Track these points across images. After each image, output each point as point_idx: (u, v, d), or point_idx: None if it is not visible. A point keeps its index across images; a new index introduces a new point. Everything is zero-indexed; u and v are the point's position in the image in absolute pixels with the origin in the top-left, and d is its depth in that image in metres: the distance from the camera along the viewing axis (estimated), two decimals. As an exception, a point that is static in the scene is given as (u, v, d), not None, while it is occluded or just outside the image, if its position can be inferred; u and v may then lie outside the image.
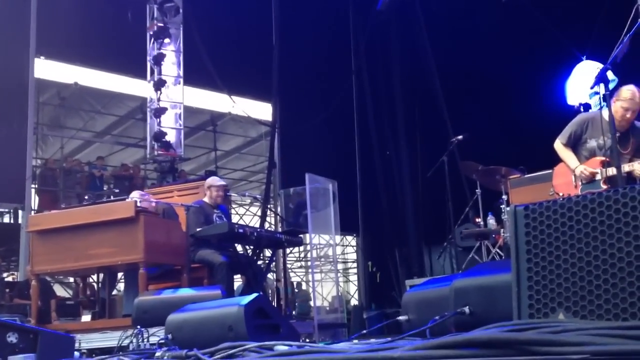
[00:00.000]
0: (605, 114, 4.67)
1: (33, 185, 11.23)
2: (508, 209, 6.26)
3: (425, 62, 12.54)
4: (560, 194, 4.70)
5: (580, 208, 1.72)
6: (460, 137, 7.93)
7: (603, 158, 4.57)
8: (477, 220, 7.85)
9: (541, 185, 5.22)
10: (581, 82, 10.00)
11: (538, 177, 5.69)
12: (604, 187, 4.49)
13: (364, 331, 4.16)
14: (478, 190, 7.62)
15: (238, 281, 7.53)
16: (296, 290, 14.53)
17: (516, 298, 1.76)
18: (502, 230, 6.87)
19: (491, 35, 11.27)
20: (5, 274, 11.06)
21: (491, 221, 7.37)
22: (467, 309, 2.81)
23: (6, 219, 13.11)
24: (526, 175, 6.28)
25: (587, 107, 7.42)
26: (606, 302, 1.60)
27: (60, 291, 10.84)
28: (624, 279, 1.56)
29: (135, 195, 6.16)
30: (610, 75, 4.09)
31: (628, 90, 4.54)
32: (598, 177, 4.53)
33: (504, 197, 6.75)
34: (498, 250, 7.09)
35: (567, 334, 1.37)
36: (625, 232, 1.59)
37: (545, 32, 10.52)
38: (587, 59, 10.61)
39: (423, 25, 12.65)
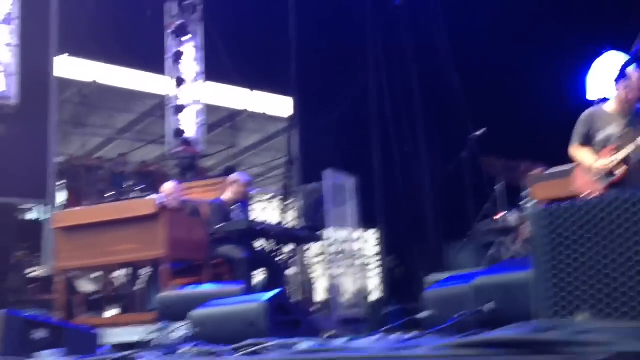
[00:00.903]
0: (606, 106, 4.66)
1: (57, 183, 11.37)
2: (529, 205, 6.24)
3: (443, 55, 12.47)
4: (584, 194, 4.68)
5: (601, 209, 1.72)
6: (479, 132, 7.90)
7: (612, 146, 4.57)
8: (497, 216, 7.81)
9: (563, 180, 5.18)
10: (602, 76, 9.90)
11: (559, 172, 5.65)
12: (621, 169, 4.46)
13: (385, 327, 4.19)
14: (499, 186, 7.58)
15: (259, 277, 7.58)
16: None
17: (537, 298, 1.77)
18: (523, 226, 6.84)
19: (511, 28, 11.17)
20: (29, 270, 11.21)
21: (512, 217, 7.33)
22: (487, 307, 2.83)
23: (30, 216, 13.28)
24: (548, 171, 6.23)
25: (605, 100, 7.34)
26: (629, 302, 1.60)
27: (85, 286, 10.97)
28: (646, 279, 1.56)
29: (168, 186, 6.23)
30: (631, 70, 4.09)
31: (636, 73, 4.58)
32: (612, 163, 4.52)
33: (525, 192, 6.71)
34: (519, 247, 7.05)
35: (590, 334, 1.38)
36: (647, 233, 1.59)
37: (567, 24, 10.42)
38: (608, 51, 10.50)
39: (441, 19, 12.58)
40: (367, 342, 2.58)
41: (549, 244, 1.78)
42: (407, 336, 2.95)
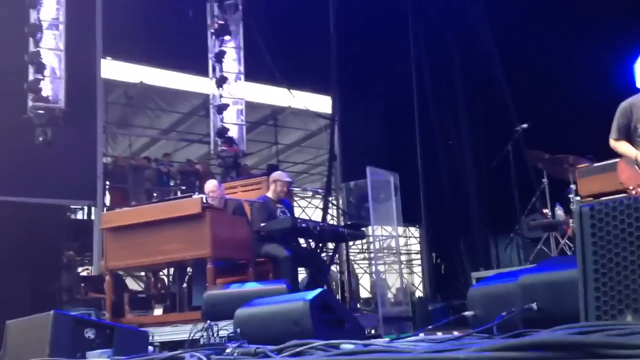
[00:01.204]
0: None
1: (105, 183, 11.63)
2: (577, 198, 6.10)
3: (487, 47, 12.30)
4: (631, 188, 4.56)
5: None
6: (525, 125, 7.77)
7: None
8: (544, 210, 7.66)
9: (610, 174, 5.07)
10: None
11: (607, 165, 5.51)
12: None
13: (430, 327, 4.16)
14: (545, 180, 7.43)
15: (302, 274, 7.62)
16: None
17: (583, 299, 1.73)
18: (570, 220, 6.70)
19: (556, 18, 10.95)
20: (80, 269, 11.50)
21: (559, 212, 7.18)
22: (534, 305, 2.78)
23: (79, 216, 13.62)
24: (595, 164, 6.09)
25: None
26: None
27: (132, 284, 11.20)
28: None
29: (211, 184, 6.30)
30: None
31: None
32: None
33: (572, 186, 6.57)
34: (567, 242, 6.91)
35: (636, 336, 1.35)
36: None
37: (613, 12, 10.15)
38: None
39: (484, 10, 12.40)
40: (410, 343, 2.57)
41: (593, 244, 1.74)
42: (451, 336, 2.92)
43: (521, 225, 7.85)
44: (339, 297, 9.58)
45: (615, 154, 5.07)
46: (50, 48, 9.49)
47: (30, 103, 9.33)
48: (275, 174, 6.66)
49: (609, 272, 1.70)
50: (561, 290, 2.60)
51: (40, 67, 9.25)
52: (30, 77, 9.30)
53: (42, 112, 9.30)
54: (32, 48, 9.32)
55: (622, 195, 4.72)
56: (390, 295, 9.74)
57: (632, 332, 1.39)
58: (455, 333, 3.41)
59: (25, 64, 9.30)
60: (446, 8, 13.21)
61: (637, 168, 4.54)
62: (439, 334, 3.84)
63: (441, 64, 13.65)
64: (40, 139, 9.26)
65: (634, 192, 4.58)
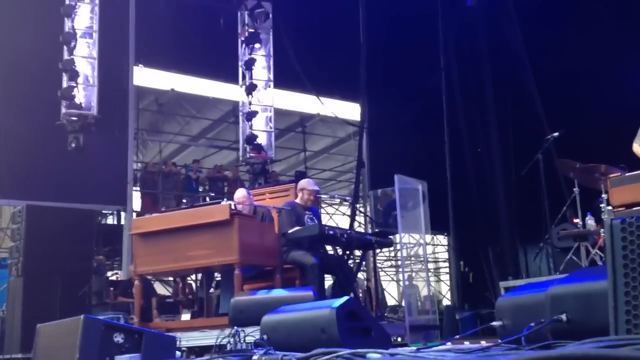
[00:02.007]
0: None
1: (135, 188, 11.79)
2: (608, 208, 6.00)
3: (517, 55, 12.19)
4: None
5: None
6: (556, 133, 7.66)
7: None
8: (575, 220, 7.56)
9: (643, 184, 4.98)
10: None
11: (639, 175, 5.42)
12: None
13: (457, 336, 4.14)
14: (576, 189, 7.33)
15: (329, 280, 7.61)
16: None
17: (613, 312, 1.71)
18: (601, 230, 6.59)
19: (588, 26, 10.82)
20: (109, 273, 11.66)
21: (590, 221, 7.07)
22: (564, 317, 2.74)
23: (110, 221, 13.81)
24: (627, 174, 5.99)
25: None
26: None
27: (160, 289, 11.32)
28: None
29: (240, 194, 6.34)
30: None
31: None
32: None
33: (604, 196, 6.46)
34: (598, 252, 6.80)
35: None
36: None
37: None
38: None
39: (515, 18, 12.30)
40: (438, 353, 2.55)
41: (624, 257, 1.72)
42: (479, 346, 2.90)
43: (551, 235, 7.74)
44: (366, 305, 9.54)
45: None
46: (84, 56, 9.67)
47: (63, 110, 9.51)
48: (303, 182, 6.68)
49: (639, 286, 1.67)
50: (592, 302, 2.56)
51: (73, 75, 9.43)
52: (64, 84, 9.49)
53: (75, 118, 9.48)
54: (66, 56, 9.51)
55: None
56: (417, 303, 9.68)
57: (663, 346, 1.36)
58: (483, 343, 3.38)
59: (59, 71, 9.50)
60: (477, 17, 13.15)
61: None
62: (467, 344, 3.81)
63: (471, 72, 13.57)
64: (73, 145, 9.43)
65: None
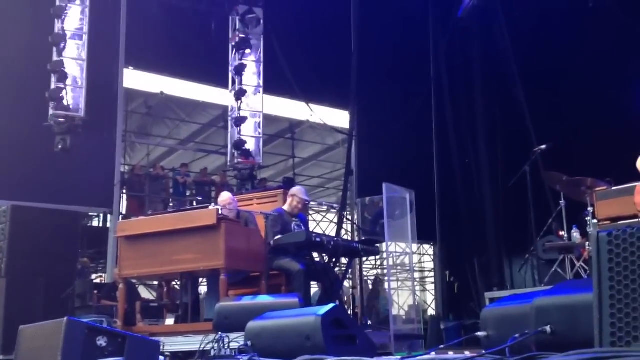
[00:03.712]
0: None
1: (122, 191, 11.72)
2: (594, 221, 6.04)
3: (507, 67, 12.27)
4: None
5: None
6: (544, 146, 7.71)
7: None
8: (560, 233, 7.60)
9: (629, 198, 5.03)
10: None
11: (626, 189, 5.46)
12: None
13: (442, 346, 4.14)
14: (562, 202, 7.37)
15: (314, 288, 7.60)
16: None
17: (598, 325, 1.72)
18: (587, 243, 6.63)
19: (577, 40, 10.92)
20: (94, 276, 11.56)
21: (576, 234, 7.11)
22: (548, 328, 2.75)
23: (95, 223, 13.72)
24: (613, 188, 6.03)
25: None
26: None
27: (144, 293, 11.25)
28: None
29: (224, 197, 6.32)
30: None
31: None
32: None
33: (590, 209, 6.51)
34: (583, 264, 6.84)
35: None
36: None
37: (634, 36, 10.10)
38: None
39: (505, 30, 12.39)
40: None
41: (609, 269, 1.73)
42: (463, 356, 2.90)
43: (537, 247, 7.78)
44: (351, 313, 9.54)
45: (636, 178, 5.03)
46: (73, 57, 9.63)
47: (51, 111, 9.46)
48: (295, 189, 6.66)
49: (625, 299, 1.68)
50: (576, 314, 2.57)
51: (62, 76, 9.39)
52: (52, 85, 9.43)
53: (63, 120, 9.44)
54: (55, 57, 9.46)
55: (633, 221, 4.68)
56: (402, 312, 9.70)
57: (647, 360, 1.37)
58: (467, 353, 3.38)
59: (48, 72, 9.44)
60: (468, 28, 13.22)
61: None
62: (451, 354, 3.82)
63: (461, 82, 13.64)
64: (60, 146, 9.38)
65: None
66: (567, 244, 7.12)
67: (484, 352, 2.92)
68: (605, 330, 1.70)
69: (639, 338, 1.63)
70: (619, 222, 5.40)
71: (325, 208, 15.40)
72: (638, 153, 4.84)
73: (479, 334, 3.42)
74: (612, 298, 1.71)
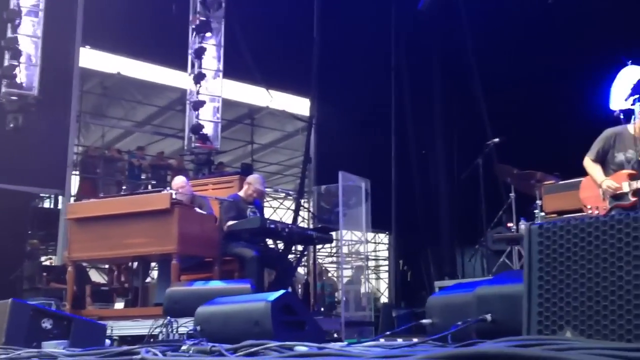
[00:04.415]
0: (631, 128, 4.65)
1: (74, 172, 11.51)
2: (541, 214, 6.21)
3: (466, 62, 12.44)
4: (589, 207, 4.69)
5: (592, 229, 1.74)
6: (497, 139, 7.87)
7: (630, 171, 4.55)
8: (509, 224, 7.78)
9: (574, 192, 5.18)
10: (624, 88, 9.81)
11: (571, 184, 5.63)
12: (633, 199, 4.47)
13: (388, 332, 4.21)
14: (512, 194, 7.55)
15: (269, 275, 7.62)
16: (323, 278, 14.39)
17: (526, 313, 1.79)
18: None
19: (535, 37, 11.11)
20: (43, 258, 11.36)
21: (523, 226, 7.29)
22: (488, 317, 2.84)
23: (47, 204, 13.46)
24: (560, 182, 6.21)
25: (627, 113, 7.29)
26: (612, 323, 1.62)
27: (95, 277, 11.10)
28: (630, 301, 1.58)
29: (178, 181, 6.28)
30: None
31: None
32: (626, 189, 4.51)
33: (538, 202, 6.68)
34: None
35: (572, 352, 1.40)
36: (635, 256, 1.61)
37: (591, 35, 10.33)
38: (632, 63, 10.38)
39: (466, 25, 12.54)
40: (366, 348, 2.60)
41: (539, 261, 1.80)
42: (406, 342, 2.97)
43: (486, 238, 7.95)
44: (304, 299, 9.59)
45: (581, 173, 5.19)
46: (28, 35, 9.40)
47: (3, 89, 9.22)
48: (252, 178, 6.66)
49: (552, 289, 1.76)
50: (515, 303, 2.65)
51: (16, 54, 9.16)
52: (6, 62, 9.20)
53: (15, 98, 9.21)
54: (9, 34, 9.22)
55: (579, 215, 4.84)
56: (355, 299, 9.79)
57: (570, 347, 1.44)
58: (416, 340, 3.46)
59: (1, 49, 9.20)
60: (429, 20, 13.32)
61: (600, 192, 4.66)
62: (400, 341, 3.89)
63: (420, 74, 13.77)
64: (11, 125, 9.16)
65: (589, 211, 4.71)
66: (514, 235, 7.30)
67: (426, 338, 2.99)
68: (533, 319, 1.77)
69: (564, 327, 1.71)
70: (565, 216, 5.57)
71: (282, 195, 15.42)
72: (586, 149, 4.99)
73: (424, 321, 3.50)
74: (540, 288, 1.79)
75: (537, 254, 1.82)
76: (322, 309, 9.88)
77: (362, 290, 9.75)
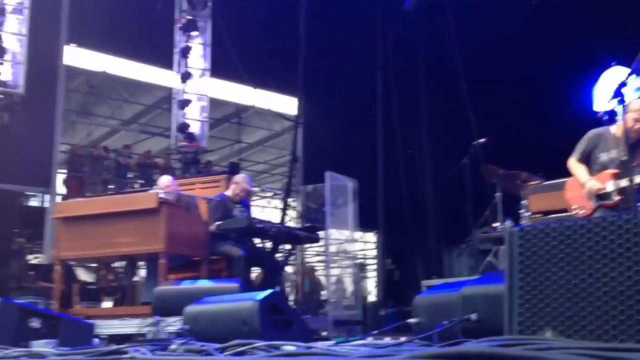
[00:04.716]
0: (613, 128, 4.72)
1: (61, 171, 11.47)
2: (527, 214, 6.27)
3: (452, 62, 12.51)
4: (574, 207, 4.75)
5: (571, 232, 1.79)
6: (483, 139, 7.93)
7: (614, 171, 4.61)
8: (494, 224, 7.85)
9: (559, 192, 5.23)
10: (607, 89, 9.93)
11: (556, 184, 5.69)
12: (616, 198, 4.54)
13: (375, 331, 4.25)
14: (498, 194, 7.61)
15: (256, 273, 7.64)
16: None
17: (508, 314, 1.84)
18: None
19: (520, 38, 11.21)
20: (30, 257, 11.30)
21: (508, 226, 7.36)
22: (474, 316, 2.89)
23: (33, 203, 13.38)
24: (545, 182, 6.27)
25: (611, 114, 7.37)
26: (590, 323, 1.67)
27: (83, 276, 11.06)
28: (608, 302, 1.63)
29: (164, 180, 6.28)
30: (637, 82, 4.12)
31: (637, 102, 4.64)
32: (610, 188, 4.58)
33: (524, 202, 6.74)
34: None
35: (552, 351, 1.44)
36: (611, 258, 1.66)
37: (575, 36, 10.43)
38: (616, 65, 10.51)
39: (452, 26, 12.61)
40: (351, 347, 2.64)
41: (520, 262, 1.85)
42: (393, 341, 3.01)
43: (473, 237, 8.02)
44: (292, 299, 9.63)
45: (566, 174, 5.25)
46: (13, 32, 9.35)
47: (-12, 87, 9.18)
48: (239, 177, 6.67)
49: (533, 290, 1.81)
50: (499, 303, 2.69)
51: (1, 52, 9.12)
52: (-10, 60, 9.16)
53: (1, 96, 9.16)
54: (-6, 32, 9.18)
55: (564, 215, 4.90)
56: (343, 299, 9.84)
57: (549, 347, 1.48)
58: (403, 339, 3.51)
59: (-15, 47, 9.16)
60: (415, 20, 13.38)
61: (583, 194, 4.72)
62: (387, 339, 3.94)
63: (407, 74, 13.82)
64: (-3, 123, 9.12)
65: (575, 211, 4.77)
66: (500, 235, 7.37)
67: (412, 338, 3.03)
68: (514, 319, 1.82)
69: (544, 327, 1.76)
70: (550, 216, 5.63)
71: (269, 194, 15.43)
72: (571, 150, 5.05)
73: (410, 320, 3.54)
74: (521, 289, 1.83)
75: (518, 256, 1.87)
76: (307, 307, 9.90)
77: (350, 289, 9.80)
